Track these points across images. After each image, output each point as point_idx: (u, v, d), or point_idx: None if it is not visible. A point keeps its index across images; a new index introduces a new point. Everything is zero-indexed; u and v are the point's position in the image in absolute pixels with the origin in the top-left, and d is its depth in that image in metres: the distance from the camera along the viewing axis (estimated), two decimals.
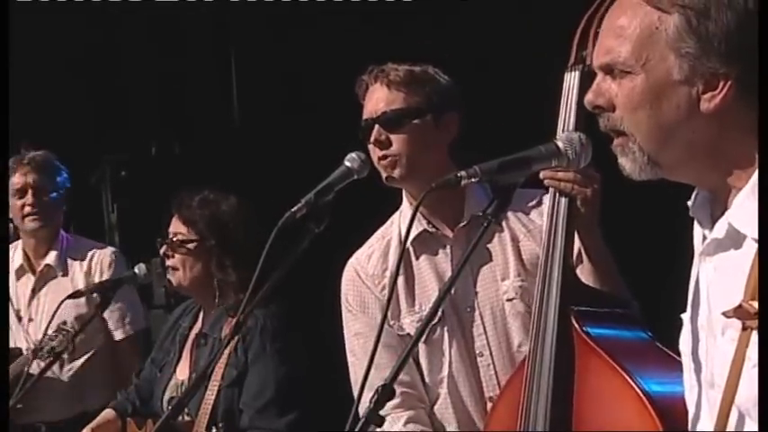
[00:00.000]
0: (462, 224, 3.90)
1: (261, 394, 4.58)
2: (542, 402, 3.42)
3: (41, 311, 6.00)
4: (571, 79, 3.57)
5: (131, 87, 8.87)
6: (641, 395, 3.21)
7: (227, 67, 8.91)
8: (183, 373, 4.79)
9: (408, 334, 3.93)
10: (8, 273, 5.86)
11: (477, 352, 3.91)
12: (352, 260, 4.10)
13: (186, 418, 4.58)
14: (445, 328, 3.91)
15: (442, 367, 3.96)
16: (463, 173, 2.94)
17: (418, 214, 3.90)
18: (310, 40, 8.49)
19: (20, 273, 6.14)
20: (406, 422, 3.92)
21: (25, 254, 6.12)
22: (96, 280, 5.96)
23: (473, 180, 2.95)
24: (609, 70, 2.34)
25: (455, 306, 3.91)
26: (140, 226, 8.24)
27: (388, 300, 3.06)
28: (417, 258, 3.98)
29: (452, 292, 3.79)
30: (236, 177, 7.93)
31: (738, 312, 2.17)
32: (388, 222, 4.07)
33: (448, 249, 3.94)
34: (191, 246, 4.85)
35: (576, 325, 3.42)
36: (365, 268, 4.05)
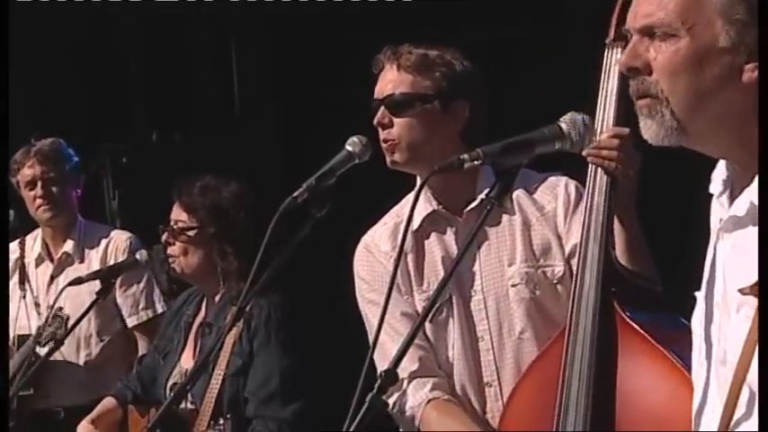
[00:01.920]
0: (472, 206, 3.86)
1: (266, 383, 4.58)
2: (584, 384, 3.39)
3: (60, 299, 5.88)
4: (612, 55, 3.53)
5: (131, 75, 8.85)
6: (689, 377, 3.18)
7: (227, 54, 8.91)
8: (187, 361, 4.77)
9: (417, 311, 3.91)
10: (8, 273, 5.82)
11: (479, 336, 3.88)
12: (365, 237, 4.08)
13: (190, 406, 4.57)
14: (452, 310, 3.88)
15: (447, 348, 3.93)
16: (466, 156, 2.94)
17: (429, 195, 3.89)
18: (308, 29, 8.50)
19: (39, 261, 6.16)
20: (432, 388, 3.89)
21: (44, 242, 6.13)
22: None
23: (476, 163, 2.95)
24: (649, 33, 2.30)
25: (461, 288, 3.88)
26: (142, 213, 8.21)
27: (392, 278, 3.00)
28: (428, 238, 3.94)
29: (459, 273, 3.77)
30: (237, 164, 7.90)
31: (755, 290, 2.16)
32: (404, 200, 4.03)
33: (453, 232, 3.92)
34: (191, 233, 4.83)
35: (618, 307, 3.40)
36: (377, 245, 4.02)
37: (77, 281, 5.43)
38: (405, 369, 3.83)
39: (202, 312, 4.87)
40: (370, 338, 3.95)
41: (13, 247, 6.19)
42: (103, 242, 6.12)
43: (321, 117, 8.23)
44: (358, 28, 8.23)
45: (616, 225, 3.55)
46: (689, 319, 2.51)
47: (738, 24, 2.23)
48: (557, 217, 3.85)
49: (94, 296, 5.51)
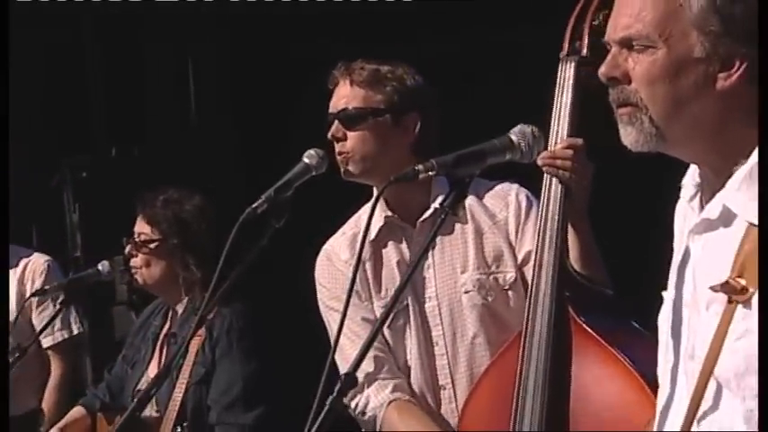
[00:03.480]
0: (426, 216, 3.90)
1: (228, 391, 4.58)
2: (539, 386, 3.43)
3: None
4: (566, 69, 3.56)
5: (91, 92, 8.83)
6: (641, 381, 3.25)
7: (184, 71, 8.90)
8: (154, 370, 4.76)
9: (376, 317, 3.96)
10: (8, 274, 5.78)
11: (434, 341, 3.92)
12: (326, 246, 4.10)
13: (155, 414, 4.58)
14: (408, 316, 3.93)
15: (405, 352, 3.97)
16: (420, 166, 2.97)
17: (383, 204, 3.93)
18: (263, 43, 8.51)
19: None
20: (393, 390, 3.93)
21: None
22: (28, 287, 5.96)
23: (430, 173, 2.97)
24: (628, 44, 2.33)
25: (416, 295, 3.92)
26: (102, 225, 8.22)
27: (351, 285, 3.03)
28: (385, 247, 3.98)
29: (414, 281, 3.83)
30: (195, 178, 7.89)
31: (725, 287, 2.20)
32: (361, 210, 4.07)
33: (407, 240, 3.97)
34: (153, 245, 4.84)
35: (573, 311, 3.44)
36: (337, 254, 4.05)
37: (41, 292, 5.47)
38: (365, 372, 3.88)
39: (168, 324, 4.87)
40: (332, 343, 3.99)
41: None
42: (22, 264, 6.09)
43: (277, 130, 8.24)
44: (312, 41, 8.27)
45: (570, 232, 3.58)
46: (647, 321, 2.55)
47: (712, 35, 2.26)
48: (508, 225, 3.89)
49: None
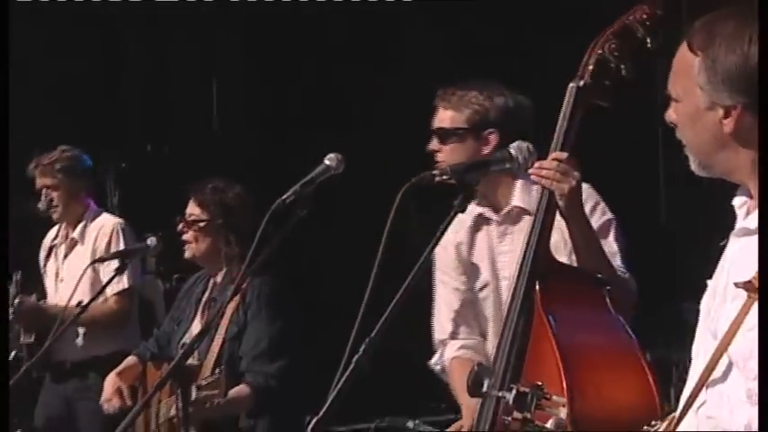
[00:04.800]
0: (504, 211, 3.86)
1: (256, 345, 4.62)
2: (504, 358, 3.36)
3: (68, 274, 5.90)
4: (570, 98, 3.46)
5: (133, 96, 8.84)
6: (560, 362, 3.14)
7: (208, 82, 8.93)
8: (197, 328, 4.73)
9: (468, 288, 3.93)
10: (8, 275, 5.67)
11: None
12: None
13: (196, 362, 4.59)
14: (490, 292, 3.87)
15: (486, 320, 3.94)
16: (437, 171, 3.01)
17: (478, 200, 3.83)
18: (284, 47, 8.51)
19: (59, 243, 6.04)
20: (459, 348, 3.91)
21: (62, 229, 6.04)
22: (100, 246, 5.86)
23: (444, 177, 3.00)
24: (671, 98, 2.37)
25: (496, 275, 3.85)
26: (137, 207, 8.27)
27: (421, 262, 2.97)
28: (478, 232, 3.93)
29: (496, 262, 3.78)
30: (214, 172, 7.93)
31: (746, 285, 2.20)
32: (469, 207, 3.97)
33: (493, 230, 3.90)
34: (201, 225, 4.85)
35: (539, 296, 3.32)
36: (446, 235, 3.94)
37: (101, 259, 5.52)
38: (447, 331, 3.92)
39: (209, 290, 4.90)
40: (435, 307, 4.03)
41: (54, 229, 6.09)
42: (97, 225, 5.97)
43: (291, 132, 8.28)
44: (329, 45, 8.28)
45: (567, 231, 3.52)
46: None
47: (709, 88, 2.26)
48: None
49: (88, 270, 5.59)
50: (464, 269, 3.94)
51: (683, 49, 2.32)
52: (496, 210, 3.88)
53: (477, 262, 3.90)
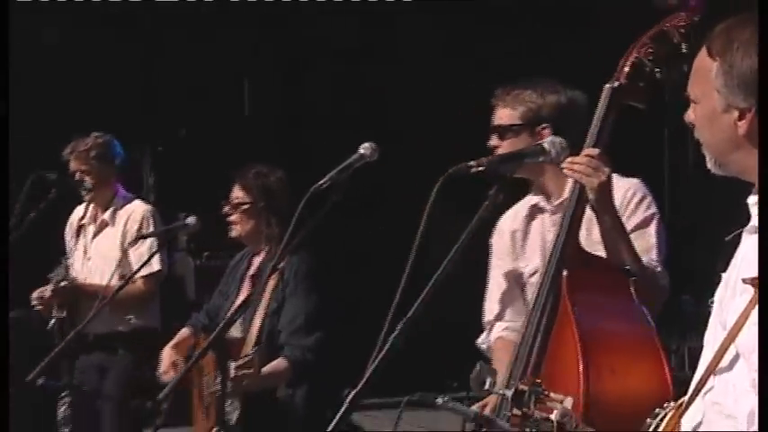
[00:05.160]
0: (557, 202, 3.81)
1: (293, 320, 4.68)
2: (529, 341, 3.38)
3: (96, 253, 5.97)
4: (605, 99, 3.47)
5: (167, 84, 8.88)
6: (579, 347, 3.17)
7: (240, 71, 8.98)
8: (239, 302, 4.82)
9: (520, 272, 3.91)
10: (8, 272, 5.47)
11: None
12: (500, 219, 3.99)
13: (239, 335, 4.69)
14: (543, 279, 3.71)
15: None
16: (473, 162, 3.00)
17: (534, 191, 3.88)
18: (312, 41, 8.53)
19: (88, 222, 6.05)
20: (504, 329, 3.90)
21: (94, 208, 6.06)
22: (131, 229, 5.90)
23: (480, 169, 3.00)
24: (690, 100, 2.38)
25: (549, 263, 3.67)
26: (170, 187, 8.34)
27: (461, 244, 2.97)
28: (533, 220, 3.92)
29: (546, 250, 3.67)
30: (245, 156, 7.97)
31: (753, 281, 2.21)
32: (525, 199, 3.98)
33: (546, 219, 3.87)
34: (245, 207, 4.90)
35: (565, 283, 3.33)
36: (500, 226, 3.98)
37: (141, 236, 5.60)
38: (493, 312, 3.92)
39: (253, 268, 4.96)
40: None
41: (80, 208, 6.09)
42: (128, 210, 5.97)
43: (319, 120, 8.32)
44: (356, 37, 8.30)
45: (596, 220, 3.50)
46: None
47: (725, 92, 2.27)
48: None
49: (116, 247, 5.76)
50: (517, 255, 3.93)
51: (703, 53, 2.32)
52: (550, 200, 3.86)
53: (530, 249, 3.89)
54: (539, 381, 2.43)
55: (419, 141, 8.22)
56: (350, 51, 8.51)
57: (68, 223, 6.15)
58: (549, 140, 3.22)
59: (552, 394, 2.40)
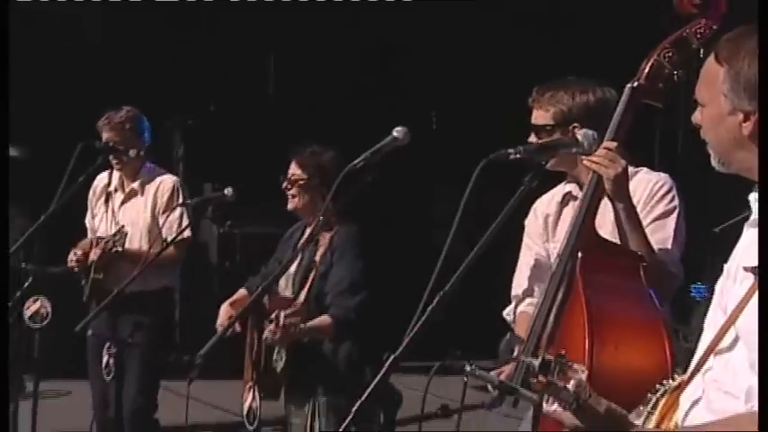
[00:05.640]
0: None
1: (339, 283, 4.80)
2: (542, 317, 3.40)
3: (124, 219, 6.00)
4: (625, 96, 3.50)
5: (202, 67, 8.90)
6: (587, 324, 3.19)
7: (266, 51, 9.01)
8: (293, 268, 4.95)
9: (548, 255, 3.91)
10: (8, 269, 5.43)
11: None
12: (535, 203, 4.02)
13: (290, 295, 4.85)
14: (560, 259, 3.65)
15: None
16: (511, 150, 3.04)
17: (568, 179, 3.90)
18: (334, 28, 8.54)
19: (115, 190, 6.13)
20: (528, 304, 3.91)
21: (120, 179, 6.13)
22: (160, 201, 5.99)
23: (518, 156, 3.04)
24: (697, 102, 2.43)
25: (566, 245, 3.63)
26: (198, 159, 8.38)
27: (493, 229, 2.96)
28: (566, 206, 3.92)
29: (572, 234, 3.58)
30: (268, 134, 8.02)
31: (753, 270, 2.25)
32: (560, 186, 3.99)
33: (577, 206, 3.73)
34: (302, 182, 4.99)
35: (579, 264, 3.36)
36: (536, 208, 4.01)
37: (181, 205, 5.75)
38: (522, 287, 3.95)
39: (305, 235, 5.00)
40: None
41: (104, 175, 6.16)
42: (157, 182, 6.06)
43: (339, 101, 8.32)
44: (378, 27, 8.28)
45: (613, 209, 3.52)
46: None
47: (732, 95, 2.31)
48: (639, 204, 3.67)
49: (146, 215, 5.86)
50: (548, 237, 3.94)
51: (711, 59, 2.36)
52: (582, 189, 3.73)
53: (560, 233, 3.85)
54: (563, 352, 2.48)
55: (453, 120, 8.23)
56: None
57: (92, 188, 6.21)
58: (582, 133, 3.29)
59: (575, 365, 2.44)
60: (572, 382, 2.35)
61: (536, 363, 2.36)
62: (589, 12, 8.17)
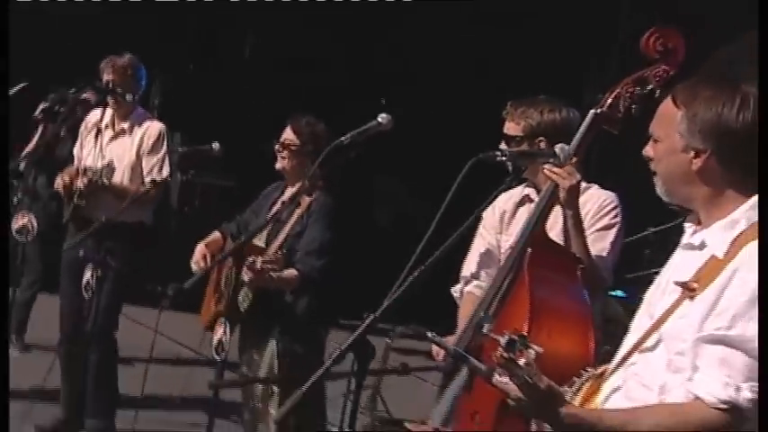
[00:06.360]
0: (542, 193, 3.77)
1: (310, 244, 4.81)
2: (488, 300, 3.52)
3: (111, 155, 5.99)
4: (588, 115, 3.59)
5: (178, 26, 8.82)
6: (529, 311, 3.30)
7: (244, 15, 8.90)
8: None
9: (499, 245, 3.98)
10: (8, 270, 5.53)
11: None
12: (496, 200, 3.96)
13: (262, 245, 4.82)
14: (512, 252, 3.71)
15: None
16: (497, 152, 3.15)
17: (528, 182, 3.95)
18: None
19: (106, 127, 6.08)
20: (475, 286, 3.95)
21: (112, 117, 6.12)
22: (146, 143, 5.98)
23: (503, 158, 3.15)
24: (651, 137, 2.52)
25: (519, 241, 3.70)
26: (173, 110, 8.32)
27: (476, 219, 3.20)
28: (523, 206, 3.98)
29: (525, 232, 3.66)
30: (241, 93, 7.97)
31: (682, 284, 2.38)
32: (520, 187, 4.03)
33: (532, 208, 3.82)
34: (294, 148, 4.96)
35: (527, 258, 3.46)
36: (497, 203, 4.00)
37: (174, 151, 5.83)
38: (470, 271, 3.99)
39: (285, 195, 5.02)
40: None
41: (97, 112, 6.11)
42: (145, 125, 6.04)
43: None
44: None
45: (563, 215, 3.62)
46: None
47: (687, 135, 2.39)
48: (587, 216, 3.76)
49: (131, 154, 5.86)
50: (501, 231, 3.99)
51: (668, 101, 2.46)
52: (539, 194, 3.83)
53: (512, 229, 3.93)
54: (525, 333, 2.58)
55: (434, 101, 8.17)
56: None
57: (84, 122, 6.22)
58: (559, 147, 3.40)
59: (535, 346, 2.55)
60: (522, 360, 2.43)
61: (503, 340, 2.45)
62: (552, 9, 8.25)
